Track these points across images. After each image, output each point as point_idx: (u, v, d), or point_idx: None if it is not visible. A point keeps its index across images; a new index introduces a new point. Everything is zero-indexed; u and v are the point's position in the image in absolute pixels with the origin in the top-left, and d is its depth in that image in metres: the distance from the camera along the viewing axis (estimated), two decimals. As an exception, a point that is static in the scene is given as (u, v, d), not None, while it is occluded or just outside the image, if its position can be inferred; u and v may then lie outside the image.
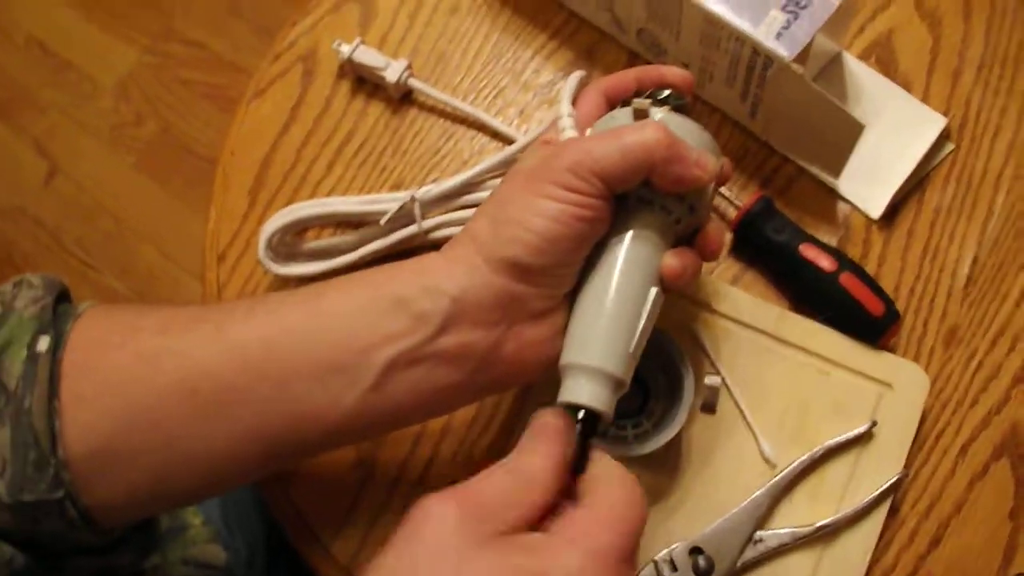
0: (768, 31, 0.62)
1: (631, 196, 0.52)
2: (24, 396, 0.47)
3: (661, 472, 0.61)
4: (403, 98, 0.74)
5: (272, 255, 0.67)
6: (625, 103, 0.55)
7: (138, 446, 0.48)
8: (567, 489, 0.47)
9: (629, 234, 0.52)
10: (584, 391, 0.49)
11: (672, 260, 0.52)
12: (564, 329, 0.52)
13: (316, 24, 0.77)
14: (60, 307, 0.51)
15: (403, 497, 0.63)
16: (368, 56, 0.73)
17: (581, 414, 0.48)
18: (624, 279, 0.51)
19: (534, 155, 0.54)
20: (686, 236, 0.55)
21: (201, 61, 1.83)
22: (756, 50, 0.63)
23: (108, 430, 0.48)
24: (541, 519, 0.45)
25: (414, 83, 0.74)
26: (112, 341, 0.49)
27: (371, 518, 0.63)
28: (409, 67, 0.73)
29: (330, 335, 0.50)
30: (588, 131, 0.55)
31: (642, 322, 0.51)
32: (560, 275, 0.51)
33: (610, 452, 0.57)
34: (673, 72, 0.57)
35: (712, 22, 0.64)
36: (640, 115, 0.53)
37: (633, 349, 0.50)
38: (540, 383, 0.63)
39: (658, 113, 0.53)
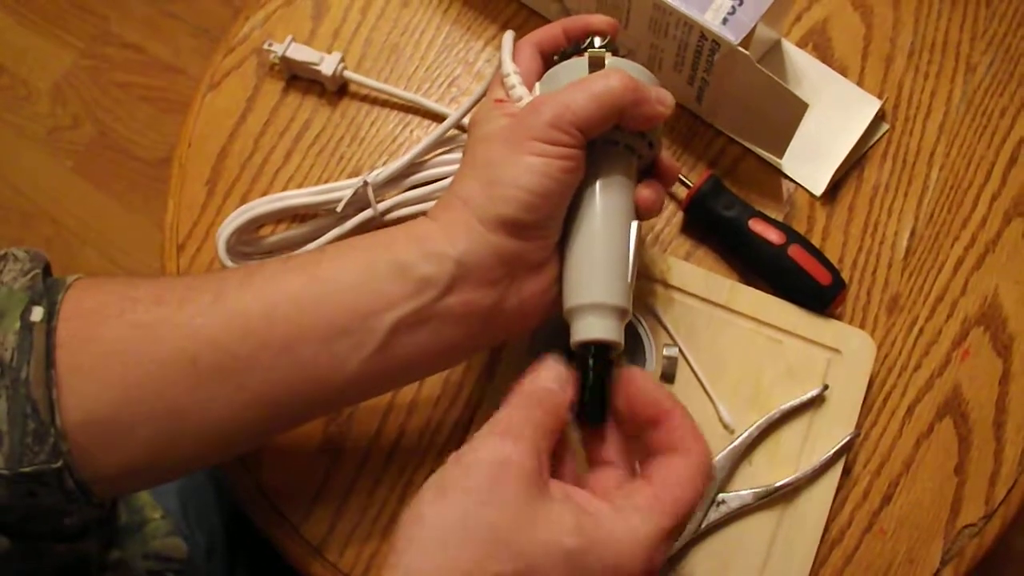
0: (715, 17, 0.65)
1: (598, 141, 0.55)
2: (20, 367, 0.47)
3: (624, 441, 0.63)
4: (340, 90, 0.76)
5: (231, 256, 0.67)
6: (564, 54, 0.58)
7: (138, 417, 0.48)
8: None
9: (604, 177, 0.55)
10: (596, 327, 0.51)
11: (646, 191, 0.56)
12: (559, 277, 0.54)
13: (269, 17, 0.78)
14: (47, 280, 0.51)
15: (371, 476, 0.64)
16: (301, 52, 0.75)
17: (593, 350, 0.51)
18: (609, 219, 0.54)
19: (494, 117, 0.55)
20: (644, 169, 0.59)
21: (138, 64, 1.81)
22: (704, 35, 0.65)
23: (107, 400, 0.48)
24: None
25: (349, 75, 0.75)
26: (107, 312, 0.50)
27: (341, 499, 0.64)
28: (343, 60, 0.75)
29: (333, 299, 0.51)
30: (536, 84, 0.57)
31: (631, 254, 0.53)
32: (551, 227, 0.53)
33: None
34: (598, 19, 0.59)
35: (660, 9, 0.66)
36: (596, 63, 0.55)
37: (630, 280, 0.53)
38: (508, 358, 0.65)
39: (611, 60, 0.56)
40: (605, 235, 0.53)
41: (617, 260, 0.53)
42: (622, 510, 0.45)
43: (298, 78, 0.76)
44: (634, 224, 0.54)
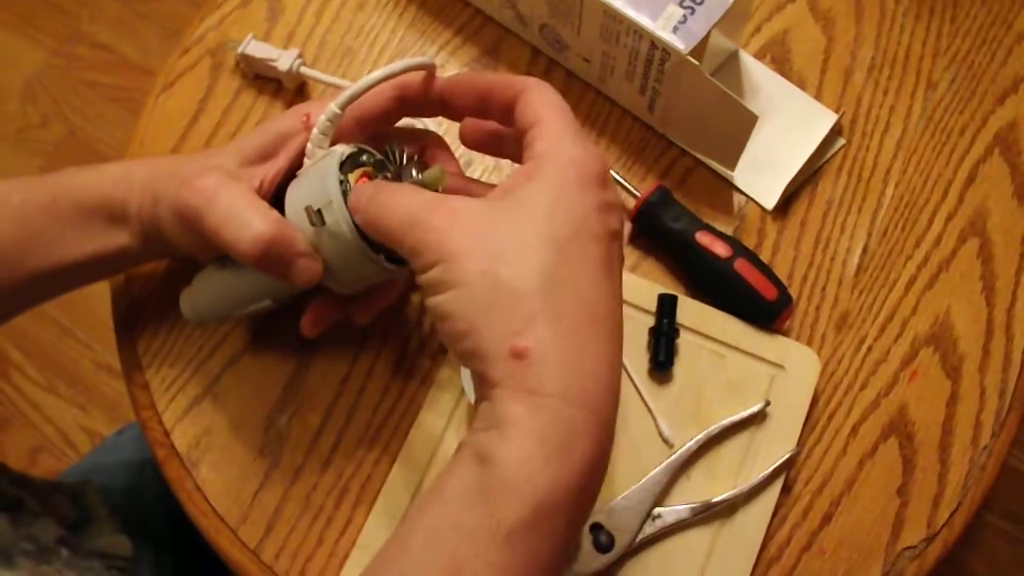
0: (665, 25, 0.64)
1: None
2: None
3: (563, 453, 0.63)
4: (300, 90, 0.75)
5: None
6: (385, 152, 0.55)
7: None
8: None
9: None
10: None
11: (308, 314, 0.59)
12: None
13: (224, 19, 0.78)
14: None
15: (308, 482, 0.63)
16: (259, 49, 0.74)
17: None
18: (241, 286, 0.59)
19: (261, 133, 0.58)
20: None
21: (108, 64, 1.81)
22: (654, 43, 0.65)
23: None
24: None
25: (306, 71, 0.74)
26: None
27: (277, 503, 0.63)
28: (300, 56, 0.74)
29: None
30: (312, 136, 0.55)
31: (242, 311, 0.59)
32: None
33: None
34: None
35: (611, 16, 0.65)
36: (313, 218, 0.51)
37: (223, 316, 0.62)
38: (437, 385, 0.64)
39: (333, 213, 0.50)
40: (229, 295, 0.59)
41: (223, 306, 0.60)
42: (543, 158, 0.46)
43: (257, 78, 0.76)
44: (266, 301, 0.58)
